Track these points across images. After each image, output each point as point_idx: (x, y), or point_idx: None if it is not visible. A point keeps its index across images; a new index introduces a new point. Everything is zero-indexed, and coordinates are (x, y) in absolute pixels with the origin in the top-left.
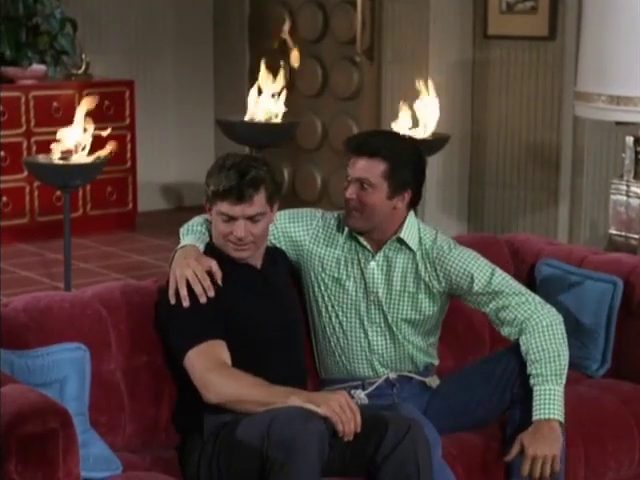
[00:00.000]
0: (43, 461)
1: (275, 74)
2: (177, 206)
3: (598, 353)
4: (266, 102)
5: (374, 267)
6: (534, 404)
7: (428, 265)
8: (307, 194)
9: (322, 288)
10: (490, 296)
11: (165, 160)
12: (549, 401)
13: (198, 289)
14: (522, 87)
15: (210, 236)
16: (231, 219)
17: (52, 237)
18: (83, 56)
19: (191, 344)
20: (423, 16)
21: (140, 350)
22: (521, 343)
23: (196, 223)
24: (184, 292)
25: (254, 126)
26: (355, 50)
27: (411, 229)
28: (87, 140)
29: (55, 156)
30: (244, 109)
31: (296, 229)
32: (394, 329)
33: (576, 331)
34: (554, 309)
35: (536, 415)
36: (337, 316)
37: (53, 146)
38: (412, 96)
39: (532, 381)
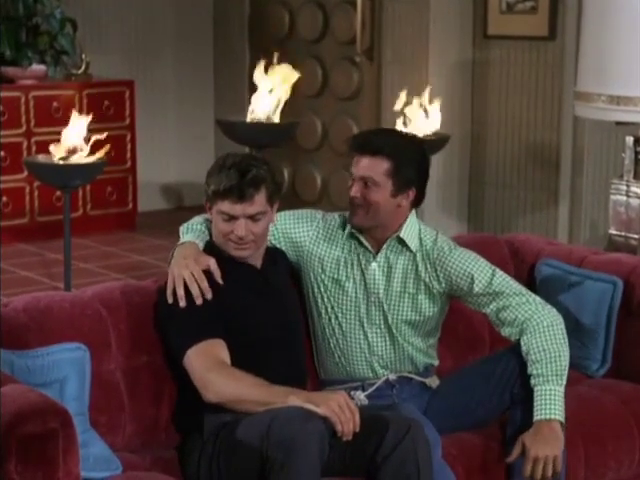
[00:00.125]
0: (43, 461)
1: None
2: (177, 206)
3: (598, 353)
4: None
5: (375, 268)
6: (535, 404)
7: (428, 266)
8: (307, 194)
9: (322, 289)
10: (491, 297)
11: (165, 160)
12: (550, 401)
13: (195, 290)
14: (522, 87)
15: (210, 235)
16: (232, 218)
17: (52, 237)
18: (83, 56)
19: (190, 343)
20: (423, 16)
21: (140, 350)
22: (522, 343)
23: (196, 222)
24: (181, 292)
25: (254, 126)
26: (355, 50)
27: (411, 229)
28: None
29: (57, 156)
30: (244, 109)
31: (296, 230)
32: (394, 330)
33: (576, 331)
34: (555, 309)
35: (537, 415)
36: (337, 317)
37: (53, 147)
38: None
39: (533, 381)
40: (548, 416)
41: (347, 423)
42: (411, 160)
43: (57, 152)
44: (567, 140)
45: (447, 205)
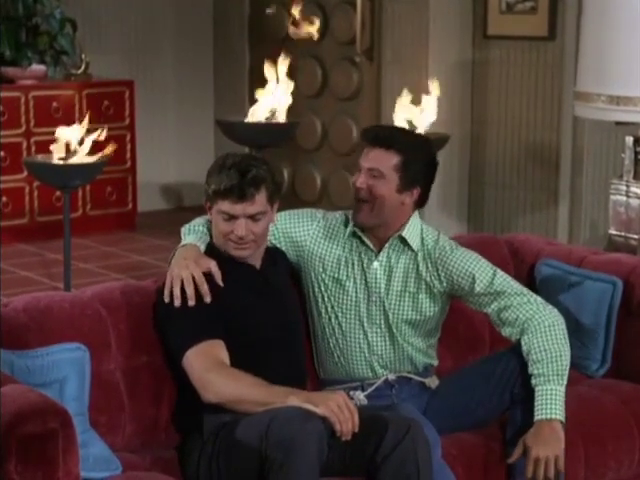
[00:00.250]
0: (43, 461)
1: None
2: (177, 206)
3: (598, 353)
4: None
5: (377, 267)
6: (536, 404)
7: (430, 265)
8: (307, 194)
9: (322, 289)
10: (492, 297)
11: (165, 160)
12: (551, 401)
13: (190, 291)
14: (522, 87)
15: (211, 236)
16: (232, 218)
17: (52, 237)
18: (83, 56)
19: (190, 344)
20: (423, 16)
21: (140, 350)
22: (523, 343)
23: (197, 223)
24: (177, 292)
25: (254, 126)
26: (355, 50)
27: (414, 229)
28: (87, 141)
29: (57, 155)
30: (244, 109)
31: (297, 229)
32: (394, 330)
33: (576, 331)
34: (556, 310)
35: (538, 415)
36: (337, 317)
37: (53, 147)
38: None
39: (534, 381)
40: (549, 416)
41: (346, 423)
42: (420, 160)
43: (57, 152)
44: (567, 140)
45: (447, 205)
